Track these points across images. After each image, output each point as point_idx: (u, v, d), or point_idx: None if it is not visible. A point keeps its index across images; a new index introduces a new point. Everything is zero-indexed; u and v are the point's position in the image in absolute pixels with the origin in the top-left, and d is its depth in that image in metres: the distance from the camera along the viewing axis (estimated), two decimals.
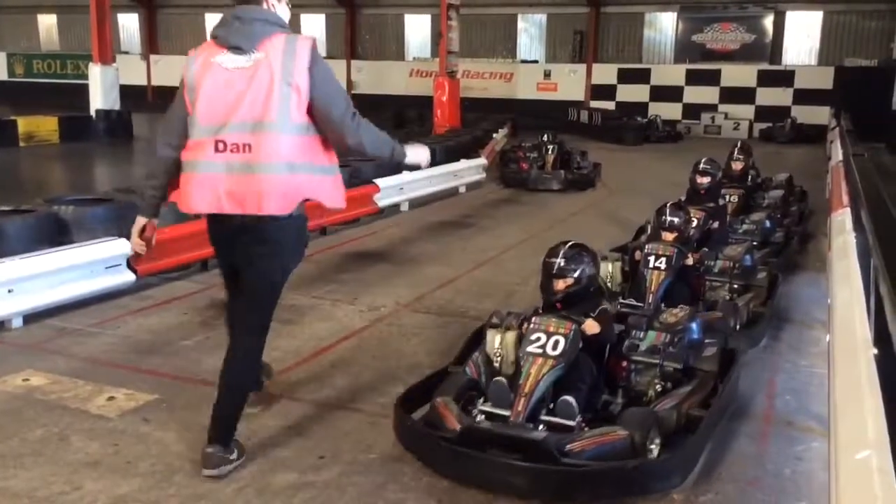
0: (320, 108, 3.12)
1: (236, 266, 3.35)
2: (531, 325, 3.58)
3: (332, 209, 3.43)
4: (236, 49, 3.11)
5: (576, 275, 3.71)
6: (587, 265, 3.76)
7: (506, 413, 3.36)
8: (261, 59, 3.08)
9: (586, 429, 3.27)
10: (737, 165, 7.89)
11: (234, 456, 3.27)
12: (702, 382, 3.78)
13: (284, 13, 3.31)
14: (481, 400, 3.53)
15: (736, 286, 5.41)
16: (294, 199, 3.16)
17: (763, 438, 3.71)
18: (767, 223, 7.00)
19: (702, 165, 6.63)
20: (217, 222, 3.26)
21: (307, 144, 3.15)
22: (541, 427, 3.29)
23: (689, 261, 5.03)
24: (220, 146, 3.08)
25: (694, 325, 4.11)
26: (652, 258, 4.92)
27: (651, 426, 3.26)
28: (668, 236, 5.12)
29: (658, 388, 3.71)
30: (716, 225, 6.00)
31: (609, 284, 5.28)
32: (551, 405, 3.40)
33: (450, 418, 3.33)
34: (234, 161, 3.07)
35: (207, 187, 3.12)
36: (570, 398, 3.34)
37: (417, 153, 3.59)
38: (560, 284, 3.72)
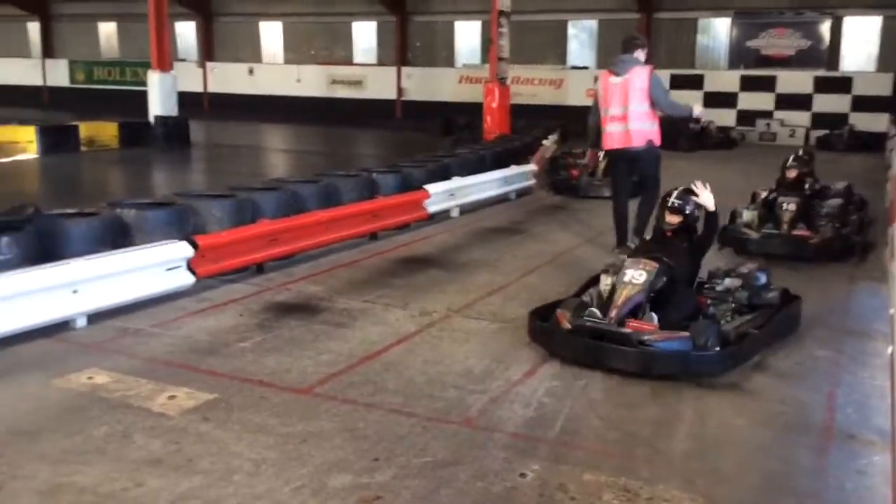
0: (653, 97, 7.15)
1: (632, 170, 7.60)
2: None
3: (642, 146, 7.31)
4: (616, 74, 7.23)
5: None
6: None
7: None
8: (626, 78, 7.16)
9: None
10: (790, 173, 7.88)
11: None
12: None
13: (641, 56, 7.32)
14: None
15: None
16: (644, 139, 7.24)
17: (824, 452, 3.64)
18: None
19: (671, 200, 5.14)
20: (614, 152, 7.48)
21: (647, 114, 7.20)
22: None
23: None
24: (611, 118, 7.27)
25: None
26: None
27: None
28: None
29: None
30: (663, 281, 4.78)
31: None
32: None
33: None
34: (617, 124, 7.25)
35: (609, 137, 7.35)
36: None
37: (697, 107, 7.68)
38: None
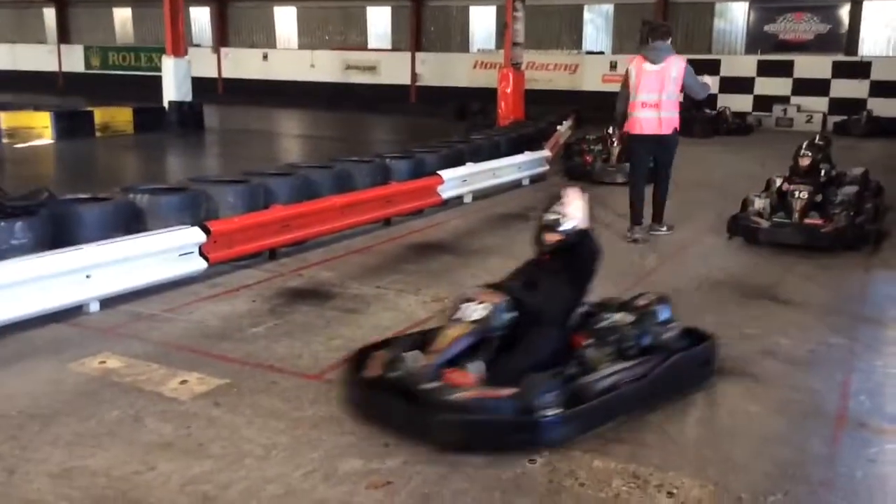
0: (686, 86, 7.53)
1: (652, 155, 7.79)
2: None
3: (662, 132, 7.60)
4: (652, 62, 7.46)
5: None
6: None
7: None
8: (663, 67, 7.40)
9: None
10: (803, 161, 7.74)
11: (664, 229, 7.95)
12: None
13: (671, 45, 7.54)
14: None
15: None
16: (672, 127, 7.56)
17: (835, 439, 3.62)
18: None
19: (545, 215, 4.15)
20: (643, 137, 7.62)
21: (676, 103, 7.56)
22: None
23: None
24: (643, 104, 7.50)
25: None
26: None
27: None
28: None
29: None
30: (506, 318, 3.82)
31: None
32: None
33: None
34: (650, 111, 7.49)
35: (638, 123, 7.58)
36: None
37: (707, 78, 8.01)
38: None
